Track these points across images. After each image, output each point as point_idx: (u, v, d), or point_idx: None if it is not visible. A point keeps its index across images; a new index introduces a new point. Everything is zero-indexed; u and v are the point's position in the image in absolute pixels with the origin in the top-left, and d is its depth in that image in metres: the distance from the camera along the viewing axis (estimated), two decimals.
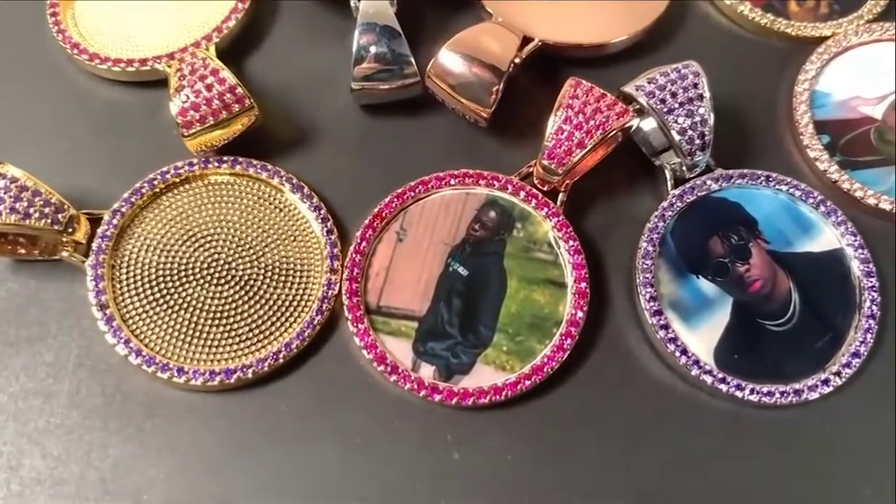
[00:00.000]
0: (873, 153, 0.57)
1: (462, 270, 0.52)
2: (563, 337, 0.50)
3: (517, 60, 0.57)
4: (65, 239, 0.52)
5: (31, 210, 0.50)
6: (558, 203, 0.54)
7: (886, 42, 0.60)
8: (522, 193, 0.54)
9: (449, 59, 0.55)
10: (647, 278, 0.52)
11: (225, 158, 0.55)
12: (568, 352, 0.50)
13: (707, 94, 0.52)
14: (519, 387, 0.50)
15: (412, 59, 0.55)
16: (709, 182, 0.54)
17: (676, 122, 0.52)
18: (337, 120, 0.58)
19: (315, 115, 0.58)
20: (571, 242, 0.53)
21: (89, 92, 0.59)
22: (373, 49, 0.55)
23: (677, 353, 0.50)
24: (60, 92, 0.59)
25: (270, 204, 0.54)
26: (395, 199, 0.54)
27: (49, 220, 0.50)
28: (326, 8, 0.60)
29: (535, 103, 0.58)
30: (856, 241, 0.53)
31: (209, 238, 0.53)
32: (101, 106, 0.58)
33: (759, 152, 0.58)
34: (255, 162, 0.55)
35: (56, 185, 0.52)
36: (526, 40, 0.58)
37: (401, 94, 0.56)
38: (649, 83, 0.53)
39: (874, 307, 0.52)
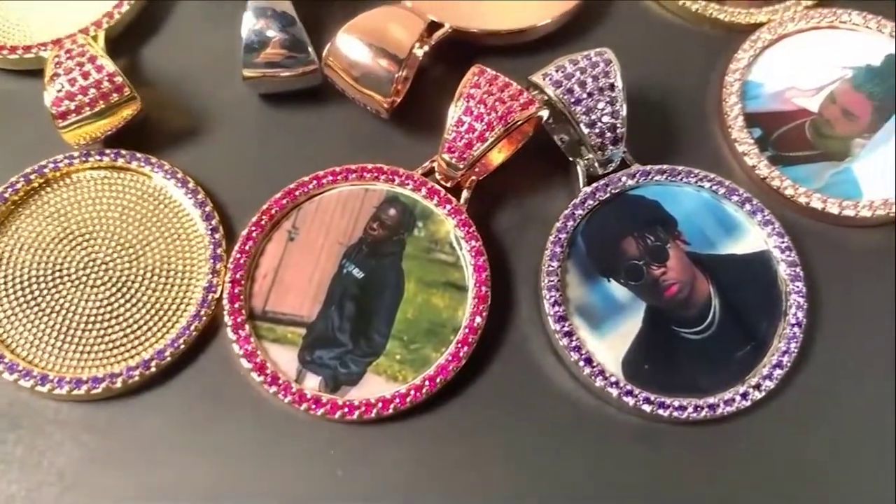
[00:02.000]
0: (808, 148, 0.53)
1: (357, 272, 0.49)
2: (460, 345, 0.47)
3: (426, 48, 0.54)
4: None
5: None
6: (461, 200, 0.50)
7: (826, 30, 0.56)
8: (424, 190, 0.50)
9: (346, 44, 0.51)
10: (553, 282, 0.48)
11: (108, 151, 0.51)
12: (463, 361, 0.47)
13: (619, 84, 0.48)
14: (409, 399, 0.46)
15: (308, 45, 0.51)
16: (624, 178, 0.50)
17: (585, 114, 0.48)
18: (234, 109, 0.54)
19: (211, 105, 0.54)
20: (474, 243, 0.49)
21: None
22: (265, 34, 0.51)
23: (581, 363, 0.46)
24: None
25: (155, 200, 0.51)
26: (287, 196, 0.50)
27: None
28: None
29: (447, 94, 0.53)
30: (783, 242, 0.49)
31: (87, 237, 0.50)
32: None
33: (687, 147, 0.54)
34: (138, 155, 0.51)
35: None
36: (436, 26, 0.54)
37: (298, 83, 0.53)
38: (557, 71, 0.49)
39: (800, 314, 0.48)
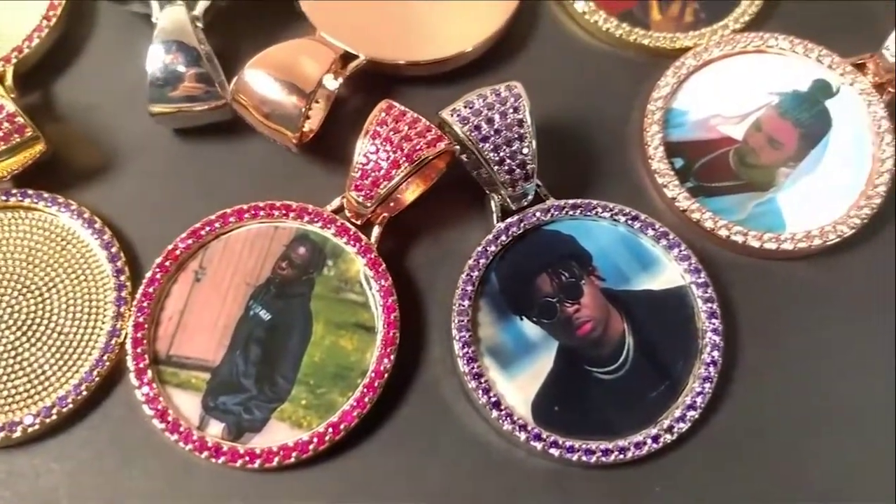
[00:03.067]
0: (731, 178, 0.52)
1: (264, 314, 0.48)
2: (365, 390, 0.46)
3: (340, 80, 0.53)
4: None
5: None
6: (372, 238, 0.49)
7: (753, 54, 0.54)
8: (333, 227, 0.49)
9: (253, 78, 0.50)
10: (463, 321, 0.47)
11: (13, 191, 0.50)
12: (368, 407, 0.46)
13: (528, 120, 0.47)
14: (311, 447, 0.45)
15: (215, 80, 0.50)
16: (538, 214, 0.49)
17: (494, 151, 0.47)
18: (146, 144, 0.53)
19: (123, 139, 0.53)
20: (383, 282, 0.48)
21: None
22: (171, 69, 0.50)
23: (489, 406, 0.45)
24: None
25: (62, 240, 0.50)
26: (192, 236, 0.49)
27: None
28: (145, 22, 0.55)
29: (362, 125, 0.53)
30: (700, 278, 0.48)
31: None
32: None
33: (608, 177, 0.53)
34: (45, 195, 0.50)
35: None
36: (352, 57, 0.53)
37: (207, 118, 0.52)
38: (465, 107, 0.48)
39: (715, 353, 0.47)
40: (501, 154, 0.47)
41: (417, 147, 0.47)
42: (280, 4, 0.55)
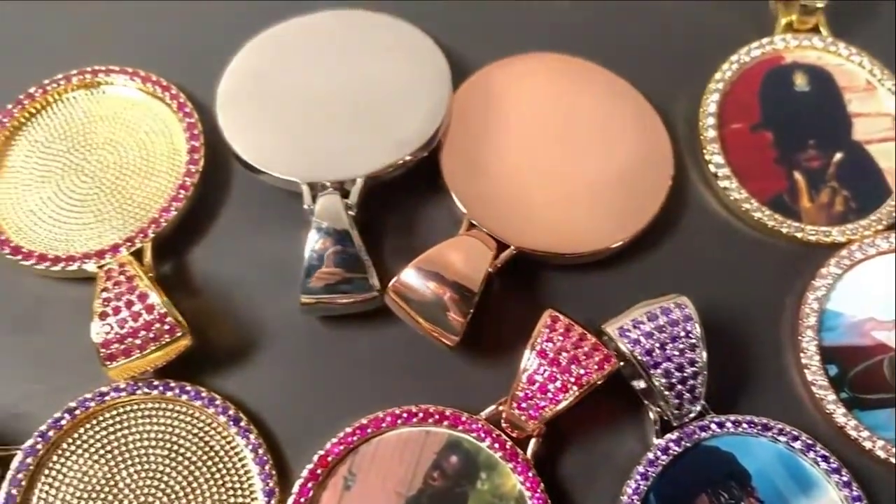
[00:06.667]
0: (887, 389, 0.51)
1: None
2: None
3: (491, 270, 0.51)
4: None
5: None
6: (530, 454, 0.48)
7: None
8: (489, 439, 0.48)
9: (413, 278, 0.48)
10: None
11: (156, 383, 0.49)
12: None
13: (701, 344, 0.46)
14: None
15: (369, 272, 0.49)
16: (699, 431, 0.48)
17: (665, 376, 0.46)
18: (287, 324, 0.51)
19: (262, 318, 0.52)
20: None
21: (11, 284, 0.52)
22: (326, 258, 0.49)
23: None
24: None
25: (205, 435, 0.48)
26: (343, 442, 0.47)
27: None
28: (283, 195, 0.53)
29: (510, 314, 0.52)
30: None
31: (133, 479, 0.47)
32: (26, 302, 0.52)
33: (762, 383, 0.51)
34: (188, 388, 0.49)
35: None
36: (502, 246, 0.51)
37: (355, 308, 0.50)
38: (635, 327, 0.46)
39: None
40: (672, 380, 0.46)
41: (588, 370, 0.45)
42: (423, 179, 0.54)
